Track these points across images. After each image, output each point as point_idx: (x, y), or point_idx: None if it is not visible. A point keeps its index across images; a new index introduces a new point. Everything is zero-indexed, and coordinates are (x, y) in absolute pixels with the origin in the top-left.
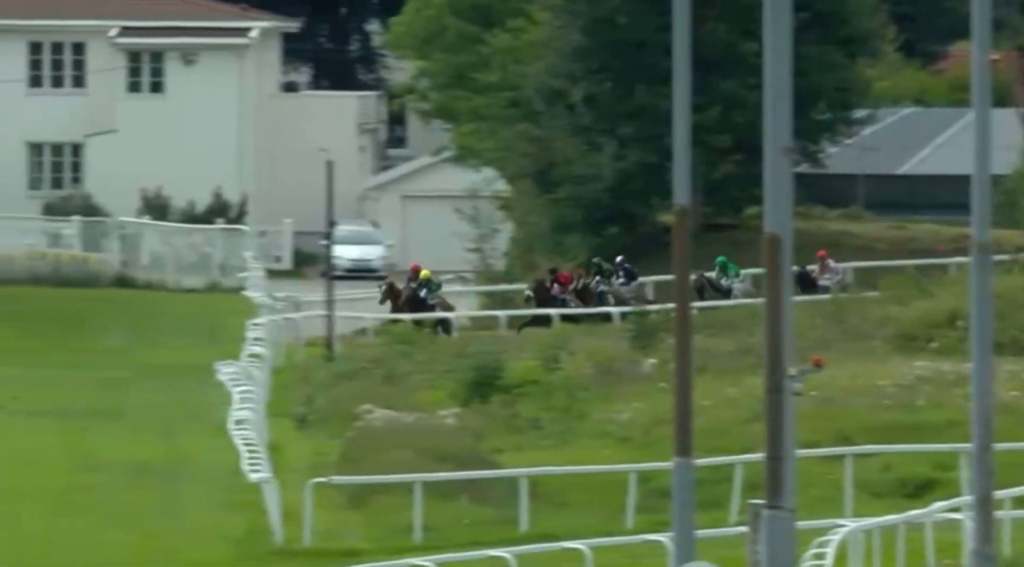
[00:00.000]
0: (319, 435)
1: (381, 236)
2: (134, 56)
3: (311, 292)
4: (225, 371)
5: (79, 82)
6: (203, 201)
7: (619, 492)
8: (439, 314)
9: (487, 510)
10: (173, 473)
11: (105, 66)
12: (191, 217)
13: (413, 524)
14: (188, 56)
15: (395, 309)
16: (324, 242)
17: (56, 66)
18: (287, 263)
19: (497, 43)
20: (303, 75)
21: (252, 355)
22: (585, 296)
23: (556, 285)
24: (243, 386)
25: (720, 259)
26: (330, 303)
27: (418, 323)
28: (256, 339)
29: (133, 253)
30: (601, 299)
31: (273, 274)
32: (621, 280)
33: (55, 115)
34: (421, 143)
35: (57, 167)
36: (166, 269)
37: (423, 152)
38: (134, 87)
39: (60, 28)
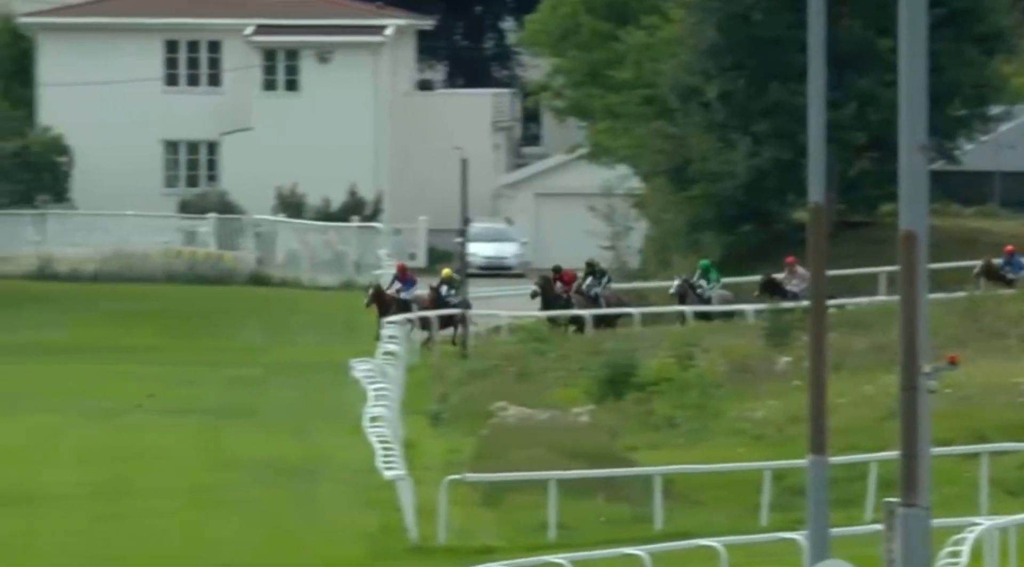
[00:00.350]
0: (453, 432)
1: (515, 233)
2: (270, 54)
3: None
4: (360, 369)
5: (215, 80)
6: (338, 199)
7: (753, 490)
8: (576, 311)
9: (621, 508)
10: (308, 470)
11: (241, 64)
12: (326, 215)
13: (547, 522)
14: (323, 54)
15: (382, 313)
16: (459, 239)
17: (192, 64)
18: (422, 261)
19: (632, 40)
20: (438, 73)
21: (387, 353)
22: (583, 296)
23: (559, 283)
24: (378, 383)
25: (703, 263)
26: (464, 301)
27: (552, 321)
28: (391, 337)
29: (268, 251)
30: (595, 301)
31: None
32: (588, 281)
33: (191, 113)
34: (555, 141)
35: (193, 165)
36: (301, 267)
37: (557, 150)
38: (269, 85)
39: (196, 26)
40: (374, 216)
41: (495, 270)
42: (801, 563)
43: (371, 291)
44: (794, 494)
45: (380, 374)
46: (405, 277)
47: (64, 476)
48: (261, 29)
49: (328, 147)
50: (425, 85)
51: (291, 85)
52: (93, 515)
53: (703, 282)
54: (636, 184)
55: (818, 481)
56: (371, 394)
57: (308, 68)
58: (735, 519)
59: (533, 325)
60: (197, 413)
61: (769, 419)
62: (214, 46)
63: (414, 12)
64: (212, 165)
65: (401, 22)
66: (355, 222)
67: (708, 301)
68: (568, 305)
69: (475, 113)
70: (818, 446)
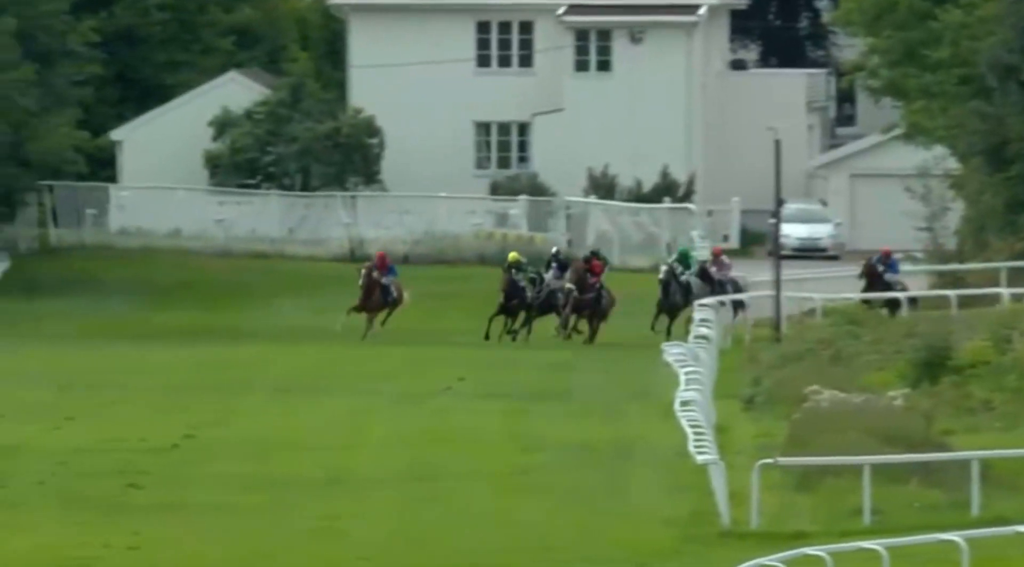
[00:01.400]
0: (766, 417)
1: (829, 215)
2: (581, 34)
3: (758, 272)
4: (672, 352)
5: (526, 61)
6: (650, 180)
7: None
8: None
9: (936, 493)
10: (617, 454)
11: (552, 45)
12: (637, 196)
13: (862, 507)
14: (636, 34)
15: (366, 295)
16: (772, 221)
17: (503, 45)
18: (735, 242)
19: (949, 19)
20: (751, 52)
21: (699, 337)
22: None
23: (589, 274)
24: (689, 367)
25: (681, 248)
26: (777, 283)
27: (867, 303)
28: (703, 320)
29: (579, 233)
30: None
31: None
32: (554, 272)
33: (502, 94)
34: (870, 121)
35: (504, 146)
36: (612, 248)
37: (872, 130)
38: (581, 66)
39: (508, 7)
40: (686, 197)
41: (809, 252)
42: None
43: (364, 272)
44: None
45: (692, 358)
46: (386, 264)
47: (375, 459)
48: (573, 9)
49: (640, 128)
50: (738, 65)
51: (603, 65)
52: (405, 498)
53: (682, 268)
54: (953, 165)
55: None
56: (683, 378)
57: (620, 48)
58: None
59: (847, 308)
60: (507, 396)
61: None
62: (526, 27)
63: None
64: (523, 146)
65: (714, 1)
66: (667, 204)
67: (688, 289)
68: (600, 296)
69: (789, 93)
70: None
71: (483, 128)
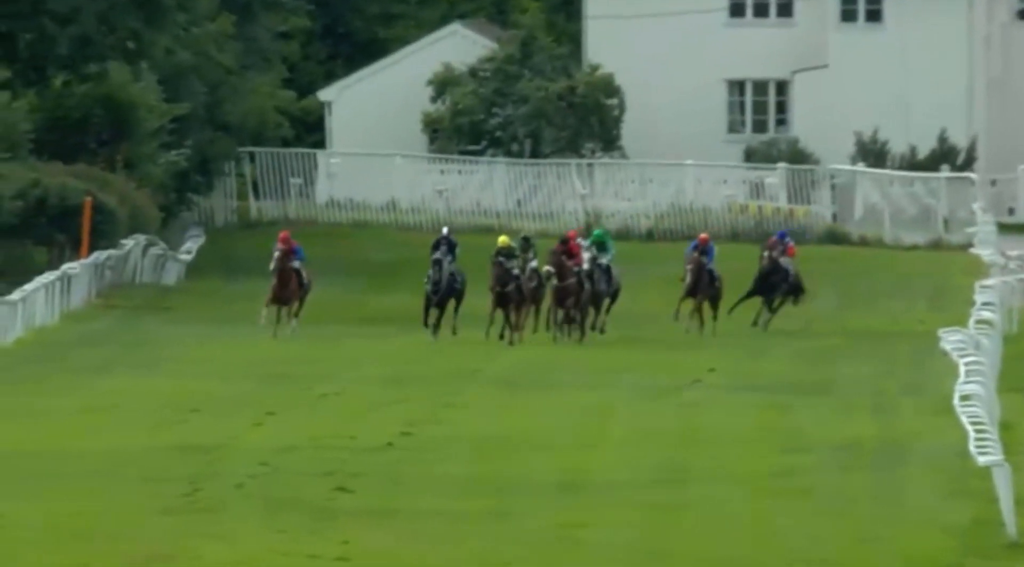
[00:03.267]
0: None
1: None
2: None
3: None
4: (950, 339)
5: (786, 11)
6: (925, 146)
7: None
8: None
9: None
10: (889, 455)
11: None
12: (911, 164)
13: None
14: None
15: (281, 285)
16: None
17: None
18: (1022, 216)
19: None
20: None
21: (981, 321)
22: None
23: (566, 257)
24: (970, 357)
25: (597, 232)
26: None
27: None
28: (985, 303)
29: (846, 205)
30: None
31: (1005, 228)
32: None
33: (758, 49)
34: None
35: (759, 108)
36: (883, 223)
37: None
38: (847, 16)
39: None
40: (967, 165)
41: None
42: None
43: (276, 256)
44: None
45: (973, 346)
46: (292, 247)
47: (615, 461)
48: None
49: (914, 87)
50: None
51: (873, 16)
52: (649, 505)
53: (601, 254)
54: None
55: None
56: (962, 369)
57: None
58: None
59: None
60: (764, 389)
61: None
62: None
63: None
64: (782, 108)
65: None
66: (945, 172)
67: (608, 272)
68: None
69: None
70: None
71: (736, 87)
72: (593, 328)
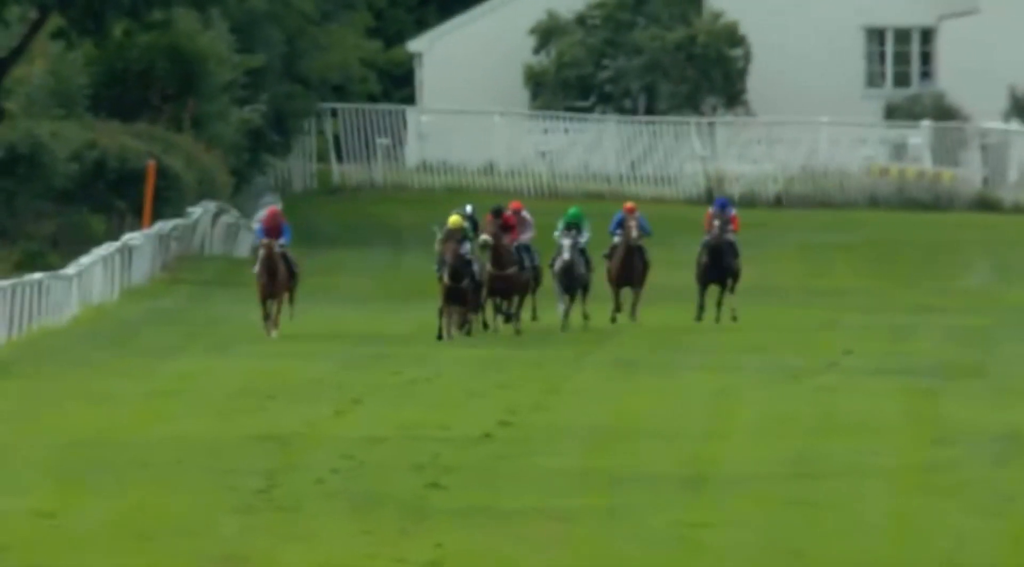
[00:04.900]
0: None
1: None
2: None
3: None
4: None
5: None
6: None
7: None
8: None
9: None
10: None
11: None
12: None
13: None
14: None
15: (270, 278)
16: None
17: None
18: None
19: None
20: None
21: None
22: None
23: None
24: None
25: (572, 211)
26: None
27: None
28: None
29: (999, 168)
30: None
31: None
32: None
33: None
34: None
35: (902, 59)
36: None
37: None
38: None
39: None
40: None
41: None
42: None
43: (263, 246)
44: None
45: None
46: (279, 226)
47: (743, 452)
48: None
49: None
50: None
51: None
52: (779, 501)
53: (580, 235)
54: None
55: None
56: None
57: None
58: None
59: None
60: (907, 373)
61: None
62: None
63: None
64: (926, 59)
65: None
66: None
67: (584, 253)
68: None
69: None
70: None
71: (875, 35)
72: (586, 318)
